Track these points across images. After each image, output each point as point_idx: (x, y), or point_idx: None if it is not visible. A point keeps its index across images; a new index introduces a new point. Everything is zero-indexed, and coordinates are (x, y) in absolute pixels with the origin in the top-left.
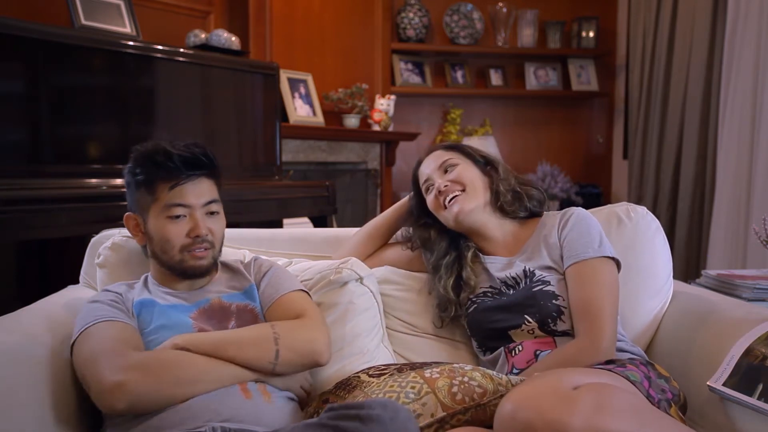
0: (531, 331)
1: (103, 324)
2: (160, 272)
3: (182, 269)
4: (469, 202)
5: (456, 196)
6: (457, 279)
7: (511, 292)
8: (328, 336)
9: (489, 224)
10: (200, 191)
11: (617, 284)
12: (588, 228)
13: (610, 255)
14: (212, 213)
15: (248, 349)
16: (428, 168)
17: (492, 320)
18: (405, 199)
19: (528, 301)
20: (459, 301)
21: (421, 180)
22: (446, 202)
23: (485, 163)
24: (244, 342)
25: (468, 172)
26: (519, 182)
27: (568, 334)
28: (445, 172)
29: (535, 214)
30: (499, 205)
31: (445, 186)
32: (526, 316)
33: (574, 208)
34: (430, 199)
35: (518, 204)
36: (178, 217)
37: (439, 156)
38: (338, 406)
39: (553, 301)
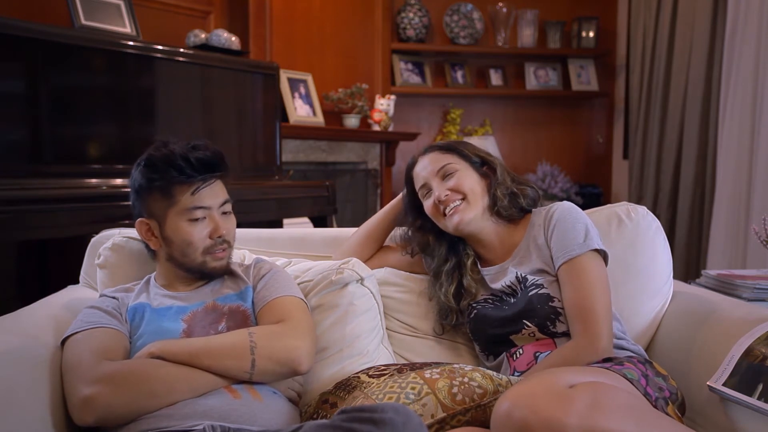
0: (532, 335)
1: (90, 331)
2: (169, 274)
3: (202, 271)
4: (470, 211)
5: (457, 205)
6: (457, 286)
7: (512, 300)
8: (310, 343)
9: (486, 229)
10: (216, 192)
11: (607, 277)
12: (573, 222)
13: (597, 247)
14: (226, 213)
15: (224, 358)
16: (425, 170)
17: (493, 326)
18: (399, 197)
19: (526, 306)
20: (460, 309)
21: (417, 182)
22: (446, 211)
23: (482, 164)
24: (220, 351)
25: (467, 178)
26: (515, 182)
27: (568, 334)
28: (443, 177)
29: (526, 212)
30: (496, 210)
31: (446, 195)
32: (525, 321)
33: (557, 204)
34: (428, 205)
35: (514, 208)
36: (197, 219)
37: (437, 159)
38: (350, 408)
39: (550, 304)
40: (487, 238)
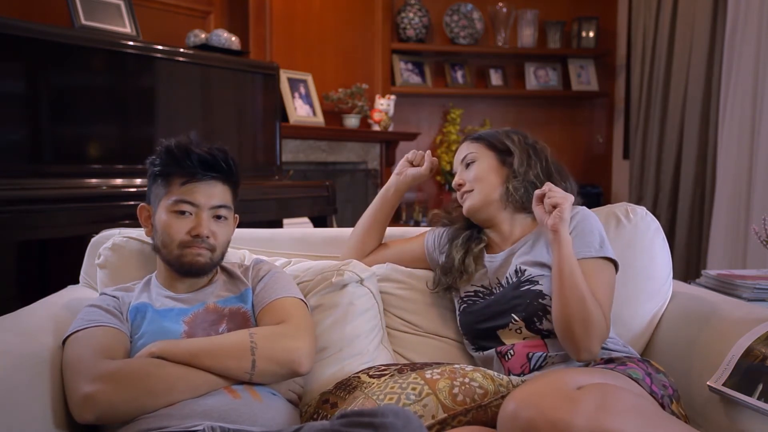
0: (518, 330)
1: (91, 330)
2: (163, 270)
3: (180, 264)
4: (475, 199)
5: (466, 191)
6: (463, 256)
7: (500, 291)
8: (310, 344)
9: (498, 218)
10: (211, 193)
11: (614, 286)
12: (591, 228)
13: (611, 256)
14: (219, 217)
15: (224, 359)
16: (458, 157)
17: (480, 320)
18: (387, 185)
19: (514, 300)
20: (455, 278)
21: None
22: (460, 197)
23: (507, 153)
24: (220, 352)
25: (484, 166)
26: (545, 172)
27: (555, 333)
28: (467, 166)
29: None
30: (510, 200)
31: (459, 183)
32: (512, 314)
33: (578, 208)
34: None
35: (530, 201)
36: (183, 213)
37: (465, 148)
38: (350, 412)
39: (540, 300)
40: (500, 227)
